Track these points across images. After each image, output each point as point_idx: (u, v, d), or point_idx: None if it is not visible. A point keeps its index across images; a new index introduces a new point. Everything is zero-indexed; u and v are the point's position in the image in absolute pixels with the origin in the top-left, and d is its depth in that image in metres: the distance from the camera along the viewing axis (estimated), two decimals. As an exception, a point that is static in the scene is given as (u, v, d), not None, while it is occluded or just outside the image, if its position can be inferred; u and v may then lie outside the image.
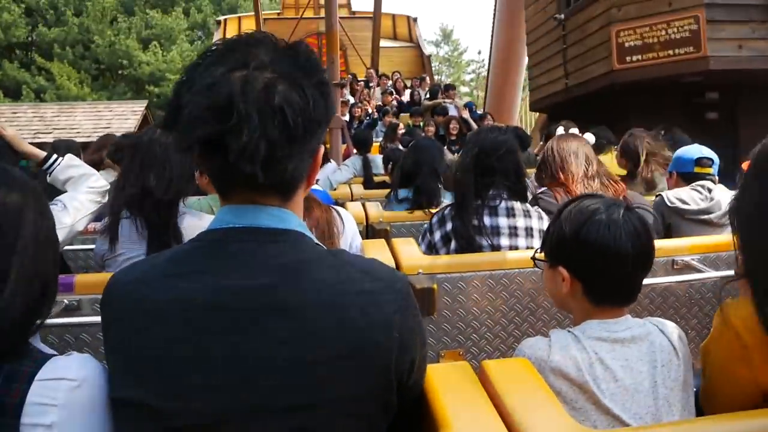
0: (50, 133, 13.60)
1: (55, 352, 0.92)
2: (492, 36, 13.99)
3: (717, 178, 2.86)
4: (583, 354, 1.17)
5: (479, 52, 27.56)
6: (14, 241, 0.86)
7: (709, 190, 2.74)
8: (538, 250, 1.38)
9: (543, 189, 2.52)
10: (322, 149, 0.91)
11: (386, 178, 4.74)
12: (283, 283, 0.81)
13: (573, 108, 8.80)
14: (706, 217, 2.69)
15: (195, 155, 0.83)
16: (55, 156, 2.36)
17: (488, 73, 15.09)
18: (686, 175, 2.84)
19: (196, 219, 2.15)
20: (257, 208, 0.86)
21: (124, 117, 14.37)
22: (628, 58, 7.40)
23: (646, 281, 1.29)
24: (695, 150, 2.89)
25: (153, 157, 2.07)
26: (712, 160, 2.83)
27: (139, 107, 15.33)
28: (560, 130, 3.68)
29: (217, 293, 0.80)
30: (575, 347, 1.18)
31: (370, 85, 12.23)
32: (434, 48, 38.94)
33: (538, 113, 12.22)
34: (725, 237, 2.24)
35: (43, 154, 2.36)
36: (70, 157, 2.39)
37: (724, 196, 2.69)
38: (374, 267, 0.89)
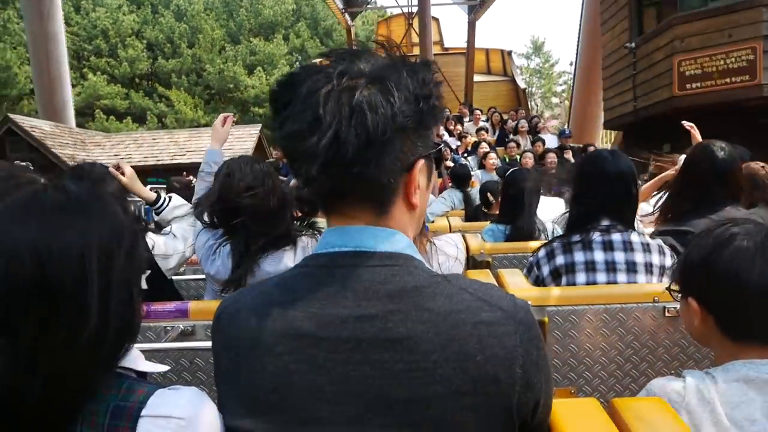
0: (184, 155, 15.85)
1: (162, 366, 0.94)
2: (576, 56, 14.68)
3: None
4: (723, 398, 1.07)
5: (571, 64, 26.91)
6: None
7: None
8: (673, 282, 1.29)
9: None
10: (420, 164, 0.82)
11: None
12: (394, 313, 0.76)
13: (643, 129, 9.97)
14: None
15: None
16: (164, 197, 2.63)
17: (572, 91, 15.24)
18: None
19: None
20: (363, 229, 0.82)
21: (242, 140, 16.21)
22: (687, 86, 8.43)
23: None
24: None
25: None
26: None
27: (255, 130, 17.34)
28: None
29: (325, 323, 0.77)
30: (713, 390, 1.09)
31: (464, 120, 12.23)
32: (525, 60, 39.29)
33: (614, 131, 13.05)
34: None
35: (153, 195, 2.62)
36: (176, 197, 2.69)
37: None
38: (493, 294, 0.80)
